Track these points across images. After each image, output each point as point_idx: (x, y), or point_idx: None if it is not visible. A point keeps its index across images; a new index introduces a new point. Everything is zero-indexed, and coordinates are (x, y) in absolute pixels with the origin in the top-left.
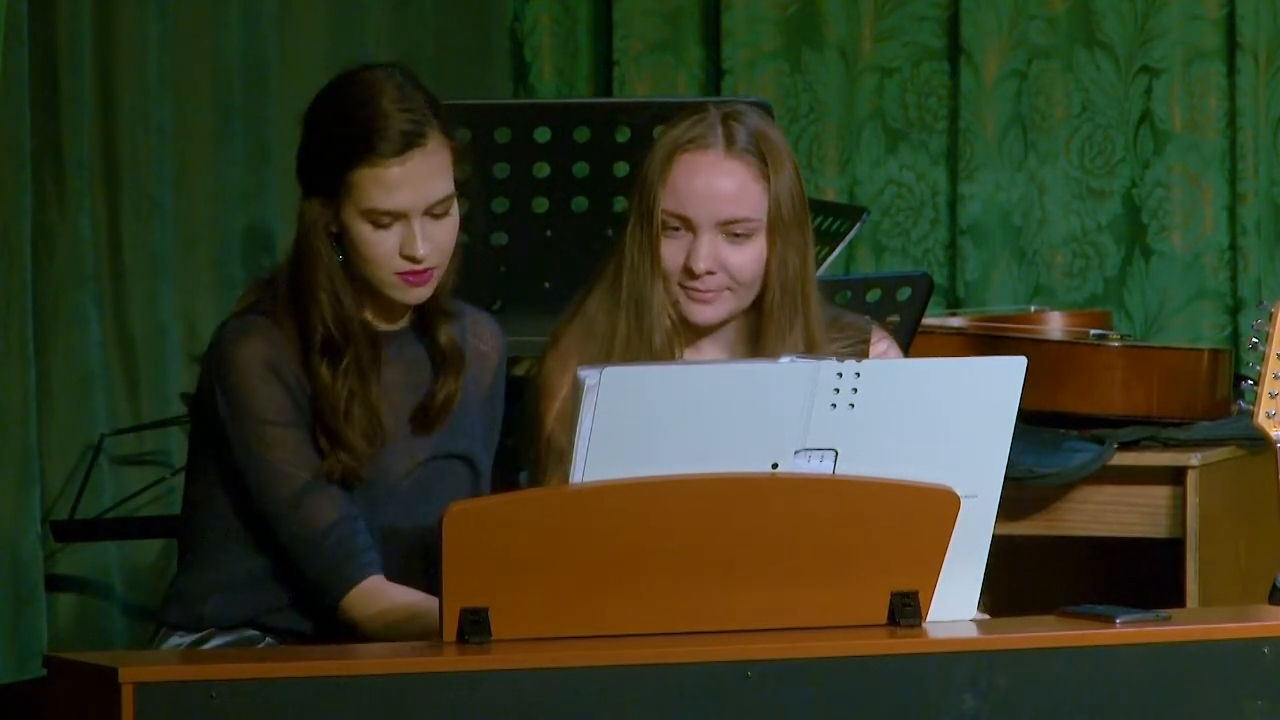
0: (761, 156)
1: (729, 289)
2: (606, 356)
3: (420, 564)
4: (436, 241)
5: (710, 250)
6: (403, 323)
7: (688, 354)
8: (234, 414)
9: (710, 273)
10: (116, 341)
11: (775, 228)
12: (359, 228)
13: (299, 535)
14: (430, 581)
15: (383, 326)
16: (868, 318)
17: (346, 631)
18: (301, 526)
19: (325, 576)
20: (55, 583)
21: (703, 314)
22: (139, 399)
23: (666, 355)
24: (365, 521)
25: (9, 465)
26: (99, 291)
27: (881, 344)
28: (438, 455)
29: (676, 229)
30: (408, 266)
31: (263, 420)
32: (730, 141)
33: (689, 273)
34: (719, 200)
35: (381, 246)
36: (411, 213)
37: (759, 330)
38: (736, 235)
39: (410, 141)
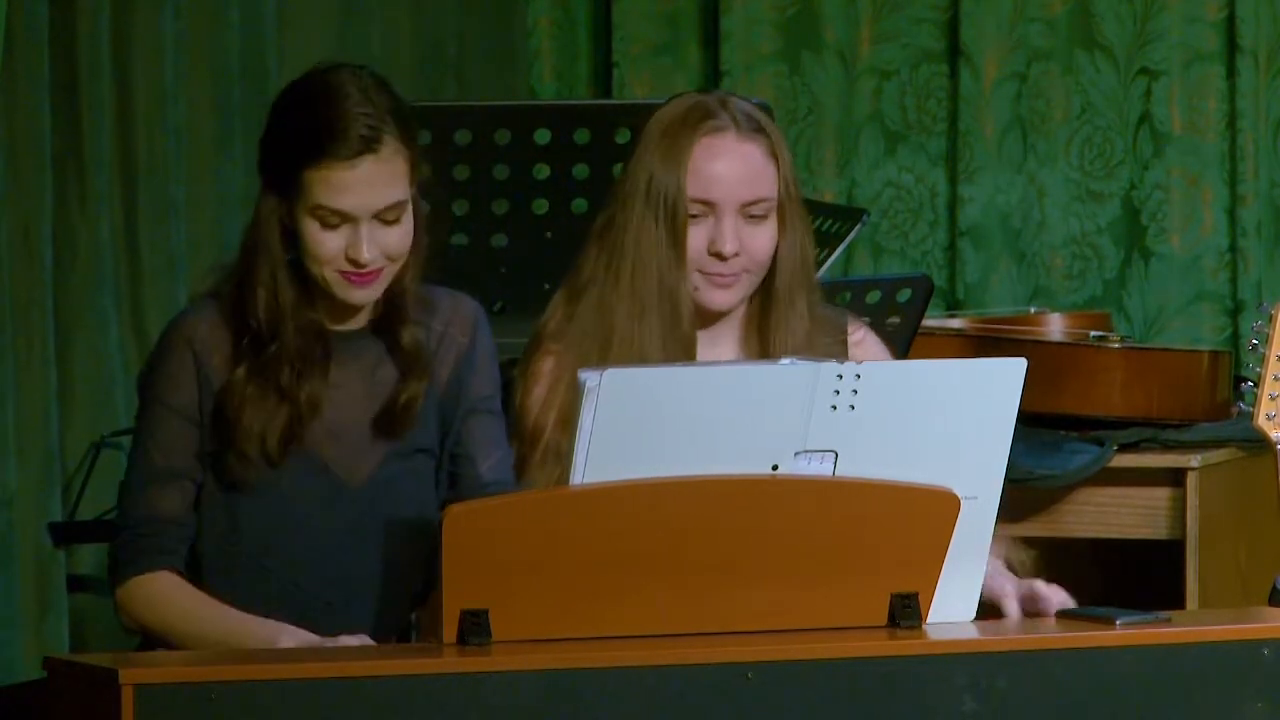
0: (767, 135)
1: (746, 271)
2: (624, 357)
3: (413, 560)
4: (384, 246)
5: (734, 231)
6: (359, 323)
7: (702, 339)
8: (142, 382)
9: (736, 254)
10: (135, 343)
11: (784, 207)
12: (307, 225)
13: (126, 511)
14: (427, 579)
15: (336, 327)
16: (841, 310)
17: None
18: (133, 505)
19: (124, 556)
20: (79, 583)
21: (722, 298)
22: None
23: (692, 342)
24: (322, 518)
25: (30, 466)
26: (118, 293)
27: (858, 333)
28: (397, 454)
29: (696, 215)
30: (350, 267)
31: (156, 398)
32: (738, 122)
33: (717, 256)
34: (742, 182)
35: (327, 246)
36: (360, 216)
37: (766, 312)
38: (754, 216)
39: (363, 146)
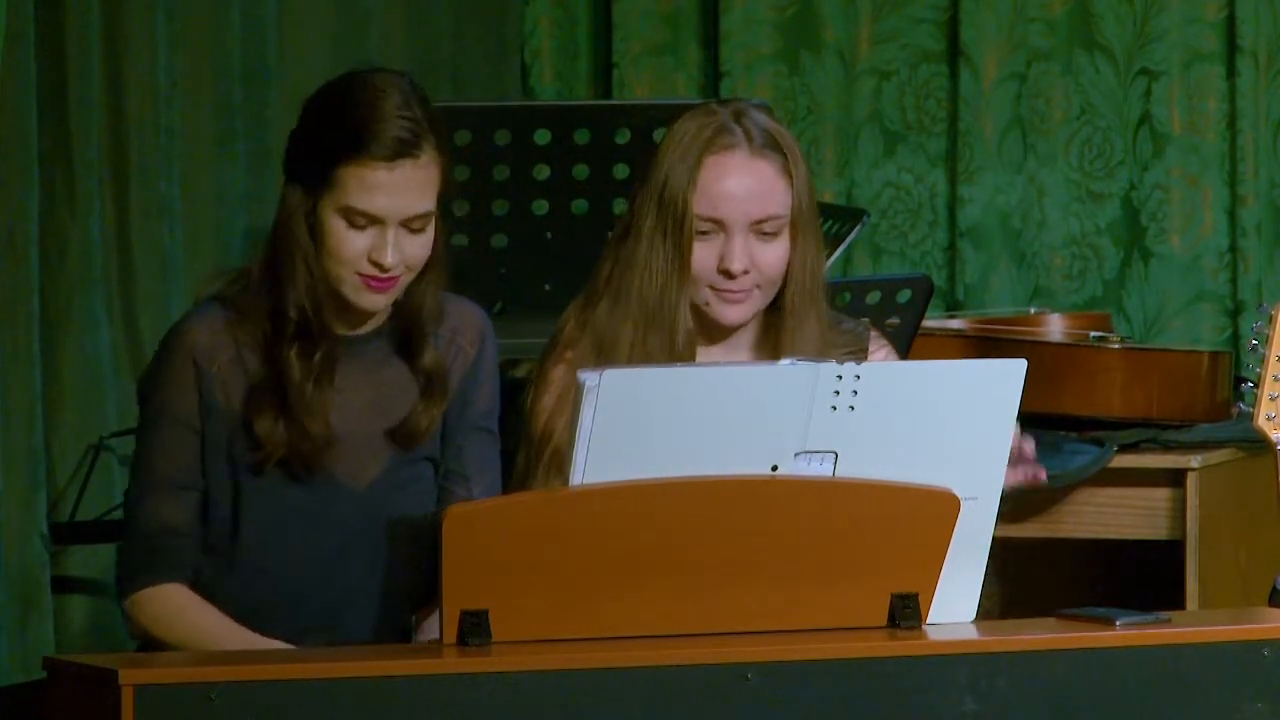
0: (782, 152)
1: (757, 287)
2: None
3: (414, 566)
4: (406, 254)
5: (744, 249)
6: (365, 329)
7: (713, 355)
8: (143, 391)
9: (745, 272)
10: (126, 344)
11: (798, 223)
12: (333, 222)
13: (133, 521)
14: (428, 585)
15: (341, 331)
16: (864, 321)
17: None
18: (141, 515)
19: (134, 567)
20: (63, 584)
21: (733, 314)
22: None
23: (687, 360)
24: (323, 522)
25: (15, 468)
26: (108, 294)
27: (880, 352)
28: (402, 461)
29: (706, 232)
30: (371, 271)
31: (159, 406)
32: (751, 139)
33: (725, 274)
34: (752, 200)
35: (351, 246)
36: (388, 220)
37: (778, 326)
38: (766, 233)
39: (403, 149)
